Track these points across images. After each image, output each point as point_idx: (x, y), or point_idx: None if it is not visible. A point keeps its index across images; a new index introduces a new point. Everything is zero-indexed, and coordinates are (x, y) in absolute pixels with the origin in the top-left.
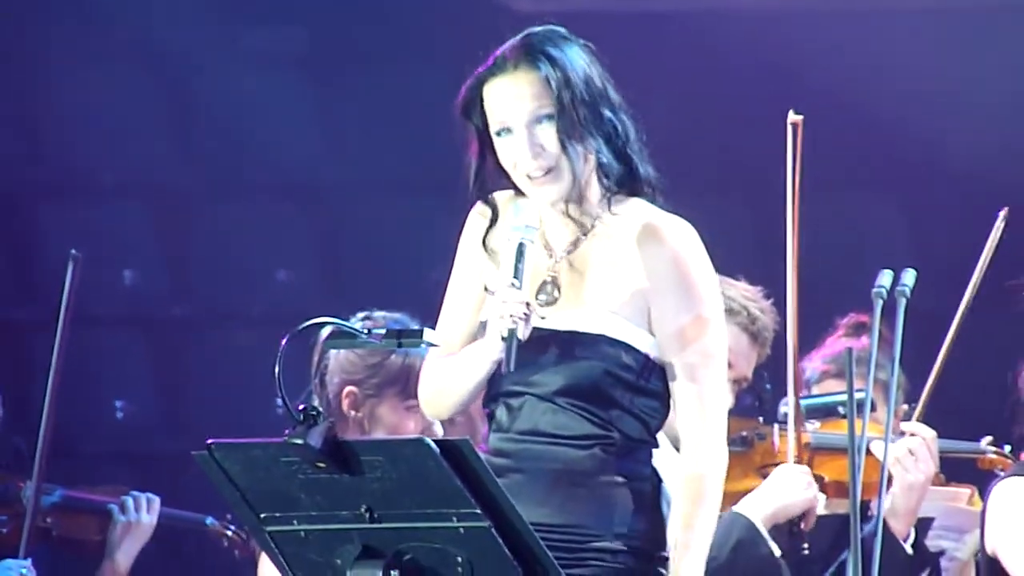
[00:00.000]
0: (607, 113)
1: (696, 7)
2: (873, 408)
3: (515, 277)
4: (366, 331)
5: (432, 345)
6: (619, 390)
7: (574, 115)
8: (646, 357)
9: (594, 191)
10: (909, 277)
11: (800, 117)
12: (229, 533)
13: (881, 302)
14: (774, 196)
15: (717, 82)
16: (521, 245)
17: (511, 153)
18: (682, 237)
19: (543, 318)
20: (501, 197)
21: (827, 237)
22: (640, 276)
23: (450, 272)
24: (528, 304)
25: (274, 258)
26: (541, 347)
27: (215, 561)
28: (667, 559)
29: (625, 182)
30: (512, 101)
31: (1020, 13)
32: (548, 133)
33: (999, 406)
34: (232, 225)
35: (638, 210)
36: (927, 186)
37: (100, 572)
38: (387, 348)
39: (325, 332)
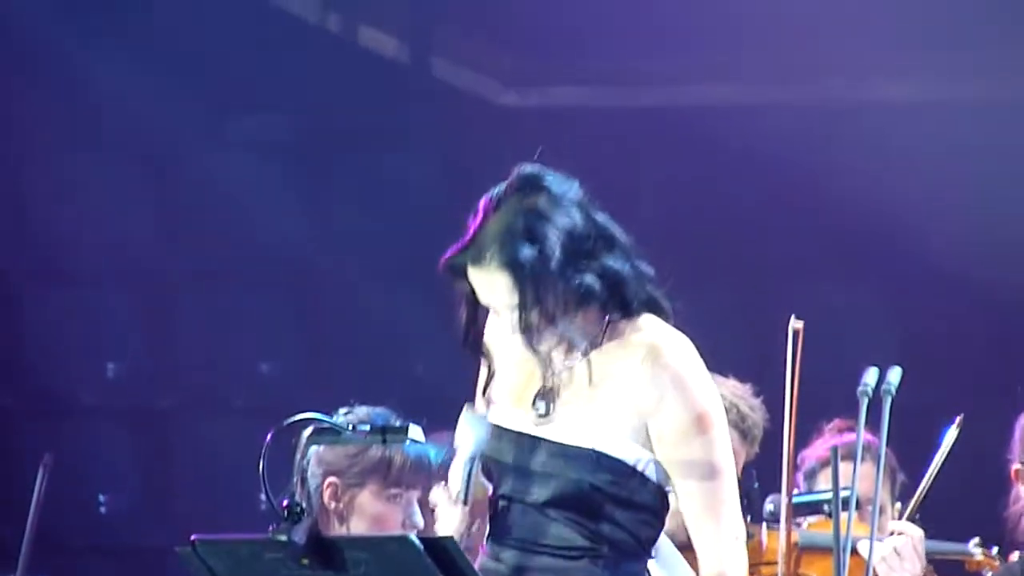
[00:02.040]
0: (589, 264)
1: (679, 101)
2: (859, 507)
3: (464, 496)
4: (350, 427)
5: (416, 442)
6: (609, 504)
7: (548, 303)
8: (638, 472)
9: (590, 319)
10: (894, 375)
11: (801, 324)
12: None
13: (867, 400)
14: (763, 283)
15: (701, 173)
16: (470, 461)
17: (502, 327)
18: (682, 357)
19: (537, 424)
20: None
21: (810, 330)
22: (639, 395)
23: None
24: (471, 519)
25: (258, 348)
26: (533, 455)
27: None
28: None
29: (623, 308)
30: (492, 295)
31: (1009, 110)
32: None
33: (989, 506)
34: (216, 314)
35: (641, 328)
36: (913, 281)
37: None
38: (372, 443)
39: (308, 428)
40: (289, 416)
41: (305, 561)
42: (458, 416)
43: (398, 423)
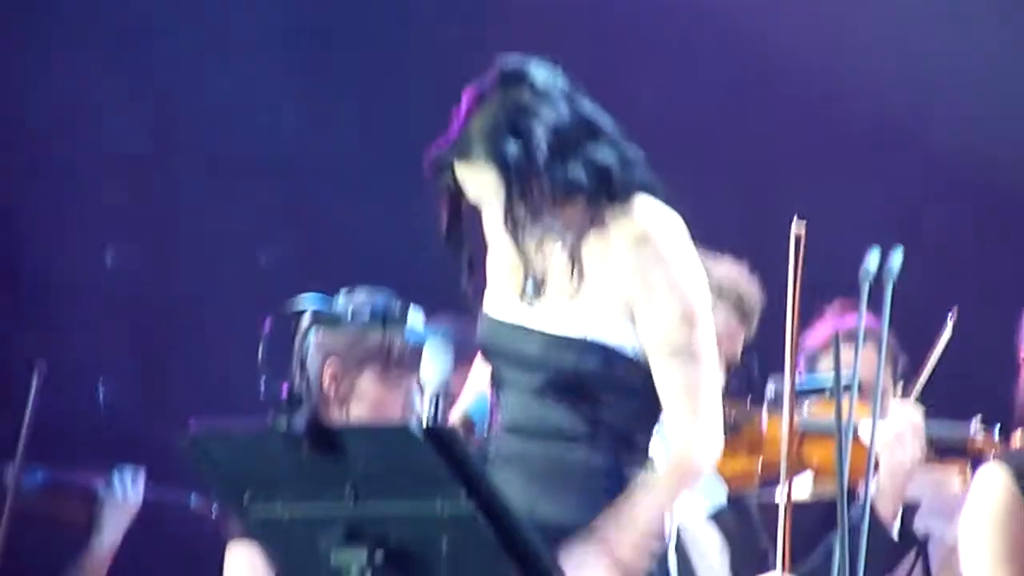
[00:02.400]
0: (575, 156)
1: None
2: (861, 391)
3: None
4: (350, 312)
5: (415, 328)
6: (602, 390)
7: (534, 197)
8: (629, 358)
9: (578, 209)
10: (896, 257)
11: (803, 227)
12: (214, 512)
13: (868, 283)
14: (760, 172)
15: (696, 62)
16: (436, 397)
17: (491, 220)
18: (669, 242)
19: (528, 313)
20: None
21: (812, 218)
22: (625, 278)
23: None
24: None
25: (257, 237)
26: (527, 345)
27: (198, 540)
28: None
29: (610, 196)
30: (480, 189)
31: None
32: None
33: (993, 385)
34: (215, 203)
35: (630, 212)
36: (912, 164)
37: (88, 550)
38: (372, 329)
39: (307, 314)
40: (289, 302)
41: (305, 449)
42: (456, 300)
43: (397, 308)
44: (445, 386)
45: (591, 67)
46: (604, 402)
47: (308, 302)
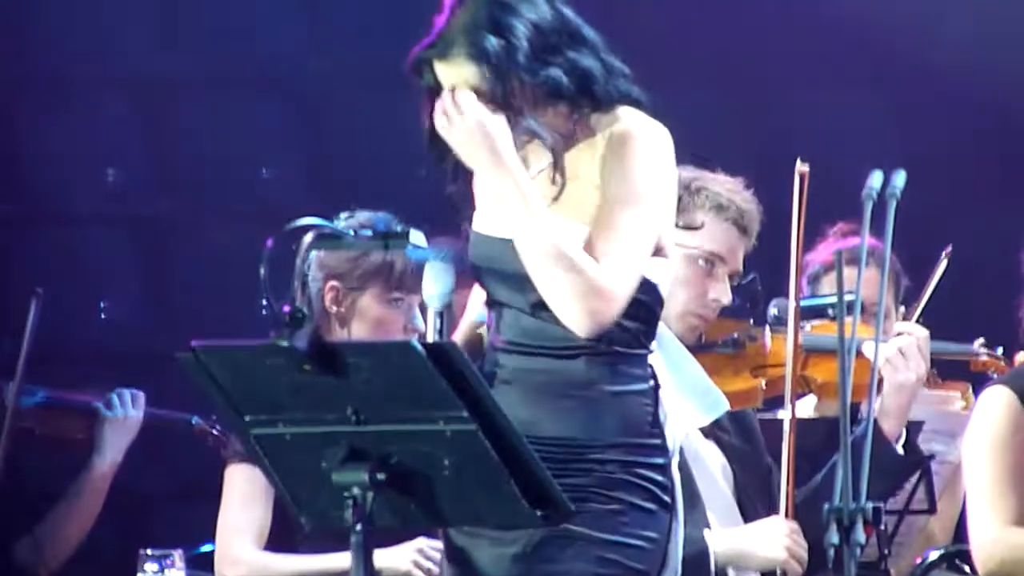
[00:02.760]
0: (556, 59)
1: None
2: (863, 311)
3: None
4: (353, 232)
5: (418, 247)
6: None
7: (515, 96)
8: None
9: (560, 115)
10: (900, 178)
11: (807, 167)
12: (215, 432)
13: (871, 203)
14: (761, 92)
15: None
16: (440, 315)
17: None
18: (650, 141)
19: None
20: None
21: (815, 136)
22: (603, 182)
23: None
24: None
25: (259, 155)
26: (515, 256)
27: (200, 460)
28: (660, 466)
29: (593, 103)
30: (457, 83)
31: None
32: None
33: (994, 309)
34: (217, 121)
35: (614, 118)
36: (915, 81)
37: (89, 468)
38: (374, 248)
39: (309, 234)
40: (291, 222)
41: (306, 367)
42: (457, 220)
43: (399, 228)
44: (448, 304)
45: None
46: None
47: (310, 221)
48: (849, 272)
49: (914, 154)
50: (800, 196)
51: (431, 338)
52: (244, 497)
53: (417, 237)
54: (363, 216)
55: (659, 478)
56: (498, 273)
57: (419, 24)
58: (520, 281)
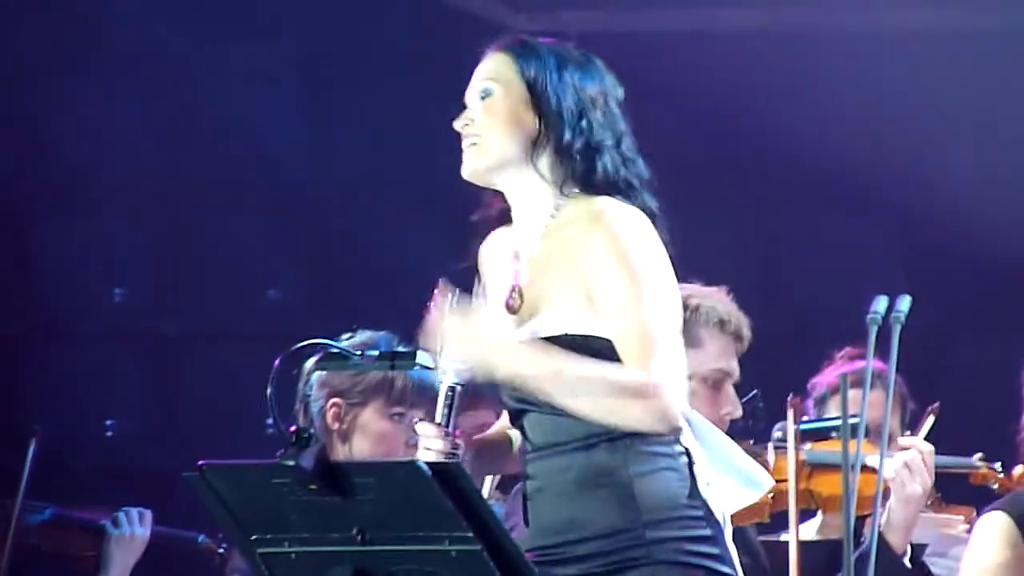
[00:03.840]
0: (571, 107)
1: (687, 27)
2: (868, 434)
3: (445, 423)
4: (359, 353)
5: (425, 367)
6: None
7: (521, 97)
8: (599, 339)
9: (546, 185)
10: (904, 303)
11: (799, 399)
12: (220, 551)
13: (876, 327)
14: (765, 216)
15: (708, 100)
16: (452, 390)
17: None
18: (621, 219)
19: (514, 327)
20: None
21: (817, 264)
22: (583, 264)
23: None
24: (456, 447)
25: (265, 276)
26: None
27: None
28: (709, 538)
29: (586, 181)
30: (474, 77)
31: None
32: (483, 107)
33: (993, 426)
34: (223, 242)
35: (589, 202)
36: (918, 211)
37: None
38: (380, 369)
39: (315, 354)
40: (295, 343)
41: (313, 486)
42: None
43: (403, 348)
44: (462, 381)
45: None
46: None
47: (315, 342)
48: (854, 395)
49: (916, 283)
50: (795, 428)
51: (439, 411)
52: None
53: (424, 357)
54: (365, 336)
55: (711, 550)
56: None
57: (423, 147)
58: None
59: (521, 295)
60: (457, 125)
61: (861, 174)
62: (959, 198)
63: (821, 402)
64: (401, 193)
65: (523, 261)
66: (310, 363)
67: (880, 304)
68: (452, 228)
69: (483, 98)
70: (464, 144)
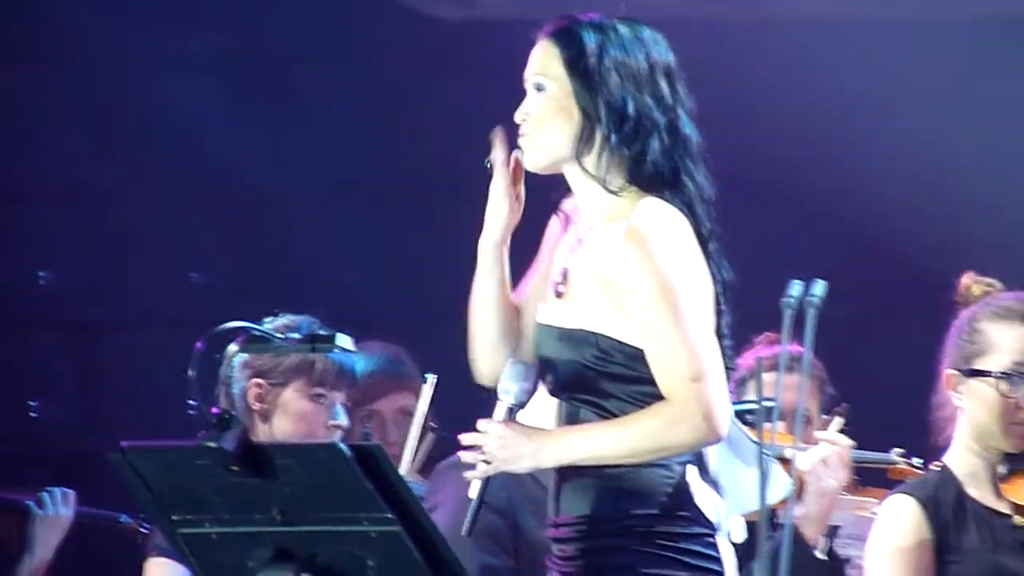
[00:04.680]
0: (616, 98)
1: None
2: (784, 417)
3: None
4: (280, 335)
5: (346, 349)
6: (607, 380)
7: (569, 91)
8: (628, 346)
9: (593, 181)
10: (819, 287)
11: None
12: (143, 531)
13: (791, 312)
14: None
15: None
16: (511, 409)
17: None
18: (654, 233)
19: (551, 312)
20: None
21: (733, 251)
22: (616, 275)
23: None
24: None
25: (187, 260)
26: (548, 343)
27: (128, 559)
28: (690, 536)
29: (635, 173)
30: (528, 65)
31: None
32: (536, 101)
33: (912, 419)
34: (148, 228)
35: (634, 205)
36: (828, 196)
37: (20, 568)
38: (301, 352)
39: (235, 337)
40: (218, 326)
41: (234, 468)
42: (386, 325)
43: (322, 331)
44: (523, 403)
45: None
46: (610, 393)
47: (238, 324)
48: (771, 378)
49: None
50: None
51: None
52: None
53: (344, 340)
54: (287, 319)
55: (690, 547)
56: (541, 358)
57: (346, 133)
58: (551, 366)
59: (567, 281)
60: (517, 117)
61: (778, 162)
62: (876, 187)
63: (740, 385)
64: (322, 179)
65: (576, 245)
66: (232, 346)
67: (795, 289)
68: (372, 213)
69: (538, 91)
70: (520, 137)
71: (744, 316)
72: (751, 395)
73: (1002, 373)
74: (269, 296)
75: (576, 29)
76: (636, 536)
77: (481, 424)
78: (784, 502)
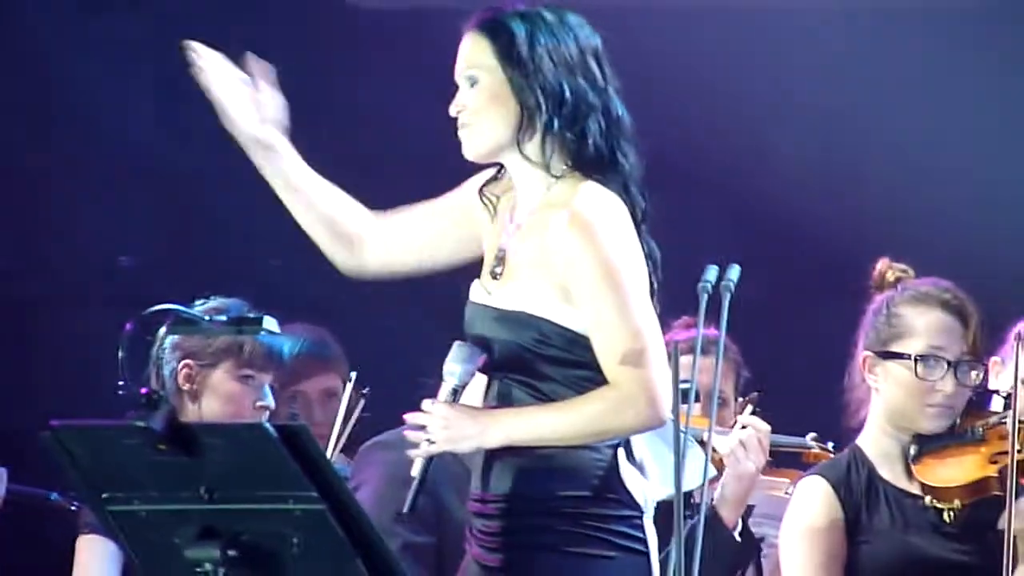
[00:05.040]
0: (550, 84)
1: None
2: (699, 399)
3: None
4: (208, 317)
5: (272, 332)
6: (542, 363)
7: (504, 80)
8: (566, 330)
9: (534, 167)
10: (734, 272)
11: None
12: (73, 508)
13: (707, 296)
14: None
15: None
16: (455, 390)
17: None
18: (595, 218)
19: (489, 293)
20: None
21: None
22: (558, 259)
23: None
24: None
25: (118, 243)
26: (484, 323)
27: (58, 536)
28: (618, 517)
29: (577, 156)
30: (458, 58)
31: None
32: (470, 94)
33: (828, 405)
34: (77, 209)
35: (575, 189)
36: (747, 179)
37: None
38: (228, 334)
39: (166, 318)
40: (148, 307)
41: (162, 446)
42: (311, 309)
43: (251, 314)
44: (464, 384)
45: None
46: (546, 375)
47: (166, 307)
48: (688, 361)
49: (751, 250)
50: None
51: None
52: (96, 567)
53: (270, 323)
54: (217, 302)
55: (617, 528)
56: (474, 337)
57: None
58: (490, 344)
59: (505, 263)
60: (452, 111)
61: (695, 148)
62: (787, 172)
63: None
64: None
65: (514, 229)
66: (162, 326)
67: (710, 273)
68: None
69: (471, 85)
70: (459, 129)
71: (661, 300)
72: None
73: (919, 356)
74: (198, 279)
75: (504, 20)
76: (565, 516)
77: (426, 404)
78: (712, 482)
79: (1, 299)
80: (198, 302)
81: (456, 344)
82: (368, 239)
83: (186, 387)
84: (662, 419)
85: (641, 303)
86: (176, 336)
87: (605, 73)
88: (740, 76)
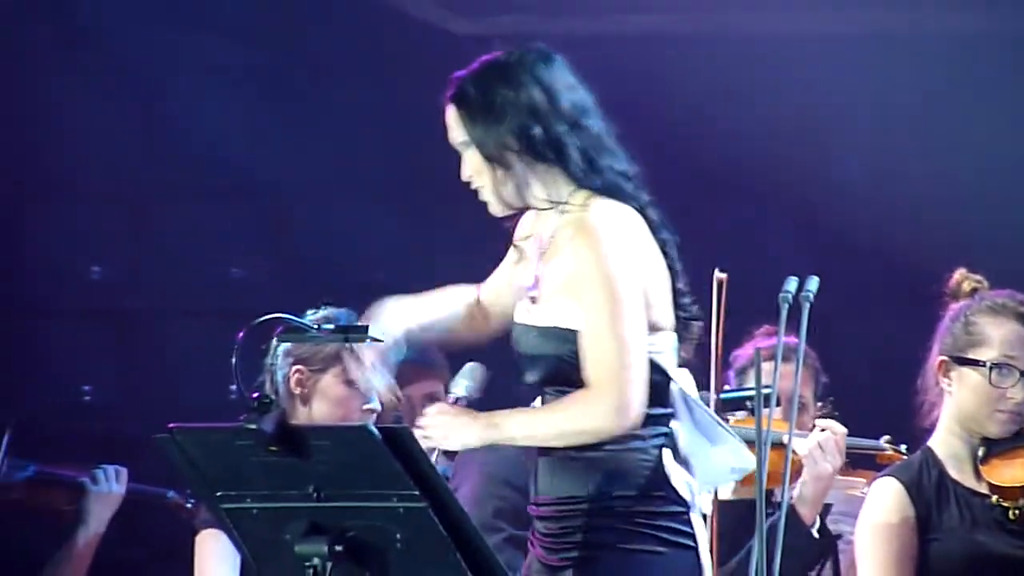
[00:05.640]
0: (525, 125)
1: (629, 29)
2: (780, 403)
3: None
4: (316, 326)
5: (376, 340)
6: (580, 373)
7: (482, 146)
8: None
9: (545, 203)
10: (813, 283)
11: (725, 275)
12: (188, 506)
13: (787, 306)
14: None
15: (645, 102)
16: (457, 399)
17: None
18: (597, 235)
19: (529, 312)
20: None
21: (725, 247)
22: (569, 273)
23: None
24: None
25: (229, 257)
26: (527, 341)
27: (175, 532)
28: (666, 514)
29: (573, 177)
30: (449, 131)
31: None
32: (467, 162)
33: (899, 408)
34: (191, 226)
35: (585, 208)
36: (825, 198)
37: (74, 538)
38: (335, 342)
39: (278, 327)
40: (258, 317)
41: (273, 448)
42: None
43: (356, 323)
44: (468, 396)
45: None
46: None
47: (276, 316)
48: (769, 367)
49: (826, 262)
50: (719, 302)
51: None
52: (215, 561)
53: (375, 331)
54: (327, 312)
55: (666, 524)
56: (519, 356)
57: (376, 138)
58: (527, 361)
59: (539, 286)
60: (463, 178)
61: (768, 170)
62: (855, 191)
63: (741, 373)
64: (359, 181)
65: (543, 255)
66: (275, 334)
67: (790, 284)
68: (402, 214)
69: (464, 149)
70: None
71: (744, 310)
72: (751, 383)
73: (993, 363)
74: (307, 293)
75: (463, 87)
76: (616, 515)
77: (429, 409)
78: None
79: (119, 311)
80: (311, 311)
81: (470, 364)
82: (487, 315)
83: (297, 391)
84: (625, 427)
85: (633, 314)
86: (288, 344)
87: (567, 98)
88: (807, 101)
